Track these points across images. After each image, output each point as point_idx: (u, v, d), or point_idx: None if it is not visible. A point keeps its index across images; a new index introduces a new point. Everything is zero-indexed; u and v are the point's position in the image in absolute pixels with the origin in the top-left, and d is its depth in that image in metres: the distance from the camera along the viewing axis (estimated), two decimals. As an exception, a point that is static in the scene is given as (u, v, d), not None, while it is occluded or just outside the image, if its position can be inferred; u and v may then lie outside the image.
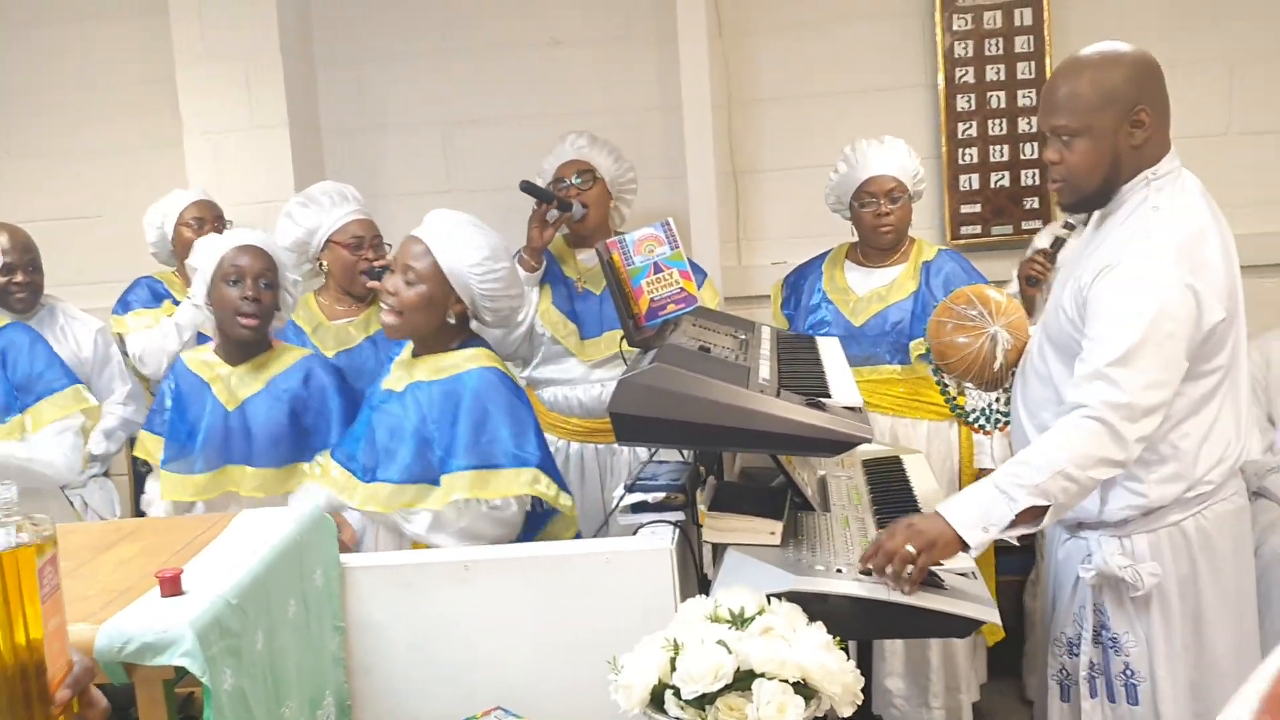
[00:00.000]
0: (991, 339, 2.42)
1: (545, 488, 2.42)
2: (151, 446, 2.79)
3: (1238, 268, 2.14)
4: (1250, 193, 3.67)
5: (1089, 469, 2.00)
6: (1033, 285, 3.07)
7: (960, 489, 3.20)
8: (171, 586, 1.70)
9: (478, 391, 2.44)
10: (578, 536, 2.55)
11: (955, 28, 3.90)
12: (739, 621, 1.79)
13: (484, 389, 2.44)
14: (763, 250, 4.14)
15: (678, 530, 2.18)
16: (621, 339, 2.52)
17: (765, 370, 2.23)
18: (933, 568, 1.98)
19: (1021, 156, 3.92)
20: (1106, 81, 2.11)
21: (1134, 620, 2.20)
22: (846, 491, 2.47)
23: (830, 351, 2.63)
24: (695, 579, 2.27)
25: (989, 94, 3.92)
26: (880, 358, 3.24)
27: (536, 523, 2.51)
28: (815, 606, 1.85)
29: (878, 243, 3.31)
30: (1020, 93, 3.89)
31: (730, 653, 1.72)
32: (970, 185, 3.97)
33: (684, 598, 2.00)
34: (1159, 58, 2.18)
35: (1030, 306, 2.96)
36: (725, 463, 2.58)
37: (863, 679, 1.77)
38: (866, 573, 1.95)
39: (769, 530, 2.08)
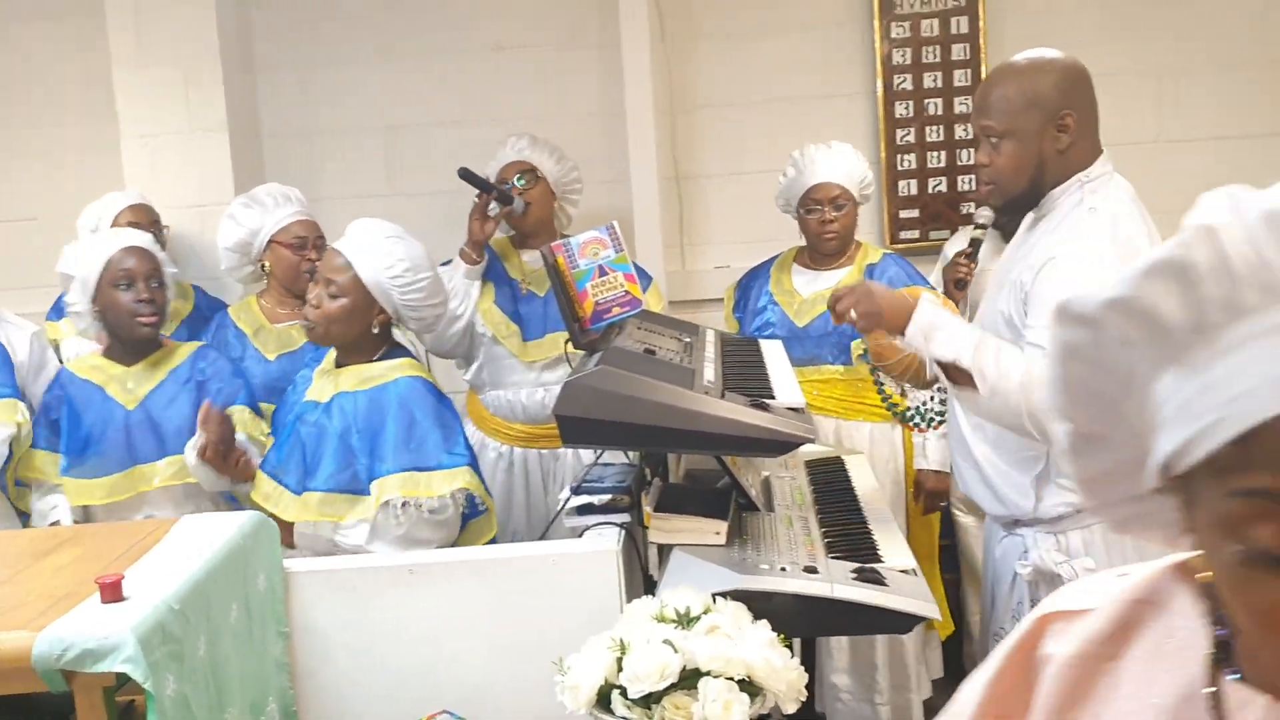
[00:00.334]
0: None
1: (477, 486, 2.47)
2: (41, 462, 2.77)
3: None
4: (1178, 199, 3.72)
5: (1024, 400, 2.05)
6: (960, 288, 3.16)
7: (906, 490, 3.28)
8: (112, 592, 1.68)
9: (404, 399, 2.47)
10: (493, 541, 2.57)
11: (893, 35, 3.96)
12: (685, 621, 1.81)
13: (410, 396, 2.48)
14: (706, 254, 4.17)
15: (623, 532, 2.19)
16: (566, 342, 2.53)
17: (710, 372, 2.25)
18: (875, 566, 2.02)
19: (958, 162, 3.99)
20: (1034, 86, 2.17)
21: (1070, 615, 2.24)
22: (790, 492, 2.50)
23: (774, 354, 2.66)
24: (641, 580, 2.29)
25: (926, 101, 3.98)
26: (823, 358, 3.28)
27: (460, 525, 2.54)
28: (760, 605, 1.87)
29: (822, 248, 3.36)
30: (957, 100, 3.96)
31: (676, 652, 1.74)
32: (909, 190, 4.03)
33: (630, 599, 2.01)
34: (1091, 67, 2.24)
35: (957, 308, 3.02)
36: (671, 464, 2.60)
37: (806, 676, 1.80)
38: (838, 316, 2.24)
39: (714, 530, 2.10)
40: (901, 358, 2.49)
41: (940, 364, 2.16)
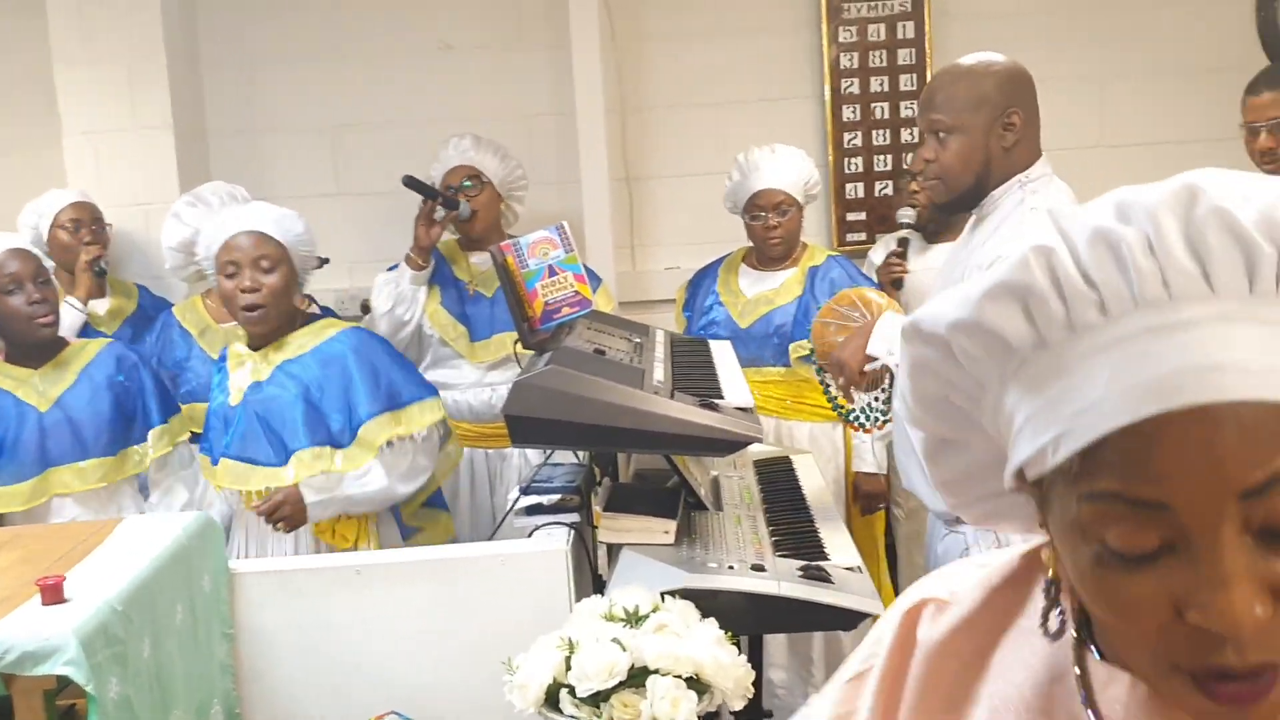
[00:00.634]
0: (870, 323, 2.49)
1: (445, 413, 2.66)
2: None
3: None
4: (1119, 203, 3.84)
5: None
6: (897, 287, 3.22)
7: (846, 490, 3.32)
8: (53, 594, 1.66)
9: (356, 348, 2.58)
10: (452, 541, 2.59)
11: (841, 40, 4.00)
12: (633, 619, 1.82)
13: (359, 346, 2.60)
14: (656, 256, 4.18)
15: (573, 532, 2.20)
16: (515, 342, 2.54)
17: (659, 372, 2.27)
18: (821, 563, 2.04)
19: (904, 165, 4.03)
20: (981, 85, 2.23)
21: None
22: (739, 491, 2.52)
23: (722, 354, 2.68)
24: (591, 580, 2.29)
25: (873, 105, 4.03)
26: (764, 360, 3.31)
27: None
28: (708, 603, 1.88)
29: (768, 253, 3.40)
30: (903, 104, 4.00)
31: (624, 650, 1.74)
32: (856, 193, 4.07)
33: (580, 598, 2.02)
34: (1035, 73, 2.29)
35: None
36: (620, 464, 2.61)
37: (753, 673, 1.82)
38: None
39: (663, 529, 2.11)
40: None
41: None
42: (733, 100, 4.07)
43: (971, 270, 2.23)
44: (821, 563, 2.06)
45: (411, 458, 2.57)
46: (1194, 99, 3.92)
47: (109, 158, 3.86)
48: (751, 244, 3.47)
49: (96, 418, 2.67)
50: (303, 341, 2.59)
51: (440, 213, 3.32)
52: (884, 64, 4.00)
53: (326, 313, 2.88)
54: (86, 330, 3.22)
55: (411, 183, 3.30)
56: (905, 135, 4.00)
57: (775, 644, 3.24)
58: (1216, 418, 0.60)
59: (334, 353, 2.57)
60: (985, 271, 0.70)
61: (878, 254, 3.61)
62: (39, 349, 2.71)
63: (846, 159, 4.05)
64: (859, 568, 2.09)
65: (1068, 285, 0.65)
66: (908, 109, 3.99)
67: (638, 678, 1.74)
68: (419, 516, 2.87)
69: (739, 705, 1.80)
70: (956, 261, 2.35)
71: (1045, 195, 2.24)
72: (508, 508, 2.43)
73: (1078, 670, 0.74)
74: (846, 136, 4.04)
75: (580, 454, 2.59)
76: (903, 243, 3.34)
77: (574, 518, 2.26)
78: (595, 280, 3.25)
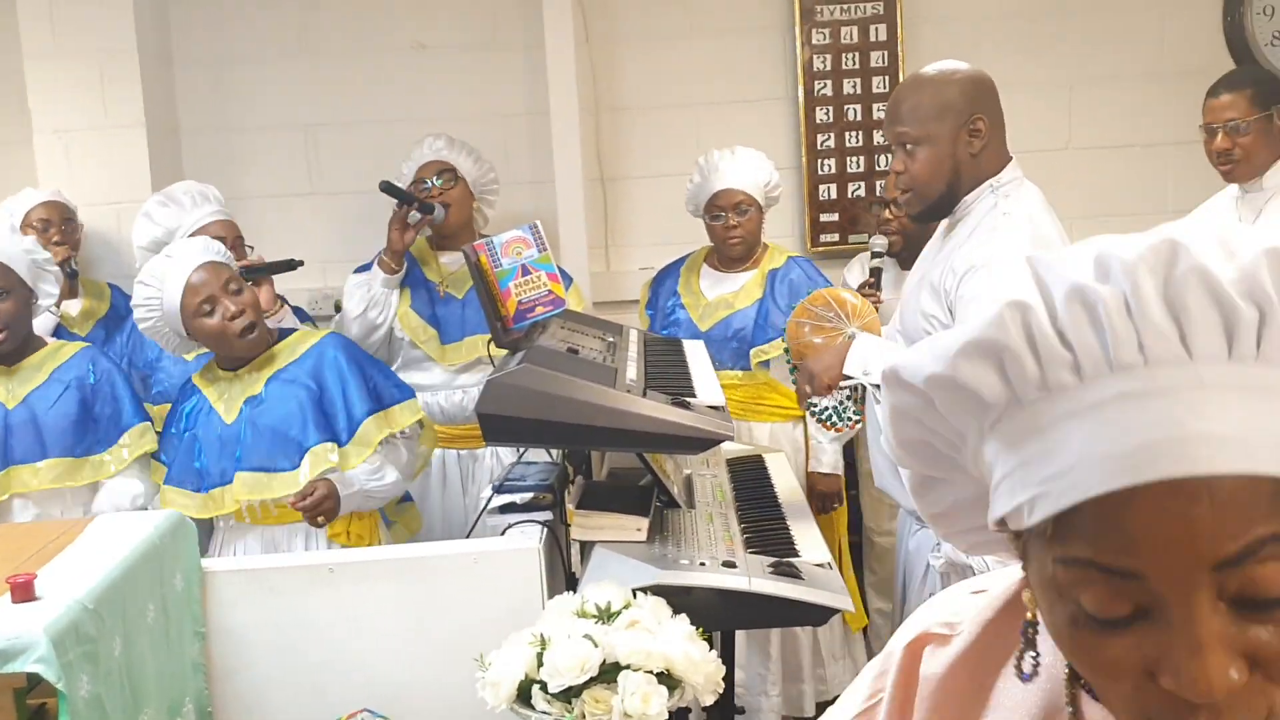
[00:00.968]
0: (847, 339, 2.52)
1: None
2: None
3: None
4: (1087, 204, 3.88)
5: None
6: None
7: (804, 489, 3.34)
8: (23, 592, 1.66)
9: (345, 350, 2.67)
10: (421, 532, 2.64)
11: (814, 42, 4.02)
12: (605, 616, 1.83)
13: (346, 347, 2.69)
14: (630, 256, 4.19)
15: (546, 530, 2.21)
16: (488, 342, 2.54)
17: (632, 371, 2.28)
18: (791, 560, 2.06)
19: (877, 167, 4.06)
20: (944, 93, 2.25)
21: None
22: (711, 489, 2.54)
23: (696, 354, 2.70)
24: (564, 577, 2.30)
25: (846, 107, 4.05)
26: (723, 363, 3.32)
27: None
28: (680, 599, 1.90)
29: (728, 253, 3.43)
30: (875, 106, 4.03)
31: (596, 646, 1.76)
32: (828, 195, 4.10)
33: (553, 596, 2.03)
34: (1005, 77, 2.32)
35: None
36: (595, 463, 2.63)
37: (724, 668, 1.83)
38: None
39: (635, 527, 2.13)
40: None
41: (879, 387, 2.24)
42: (706, 101, 4.09)
43: (947, 274, 2.25)
44: (792, 559, 2.08)
45: (405, 454, 2.68)
46: (1162, 103, 3.97)
47: (80, 156, 3.84)
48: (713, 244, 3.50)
49: (60, 419, 2.65)
50: (289, 351, 2.64)
51: (415, 216, 3.32)
52: (856, 66, 4.03)
53: (298, 313, 2.88)
54: (60, 332, 3.20)
55: (388, 188, 3.31)
56: (878, 137, 4.03)
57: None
58: (1190, 491, 0.59)
59: (325, 357, 2.62)
60: (962, 309, 0.71)
61: (852, 274, 3.63)
62: (14, 350, 2.70)
63: (819, 160, 4.07)
64: (829, 564, 2.11)
65: (1043, 345, 0.64)
66: (880, 111, 4.02)
67: (609, 673, 1.75)
68: (396, 511, 2.92)
69: (709, 700, 1.82)
70: (931, 263, 2.37)
71: (1017, 199, 2.27)
72: (481, 506, 2.44)
73: (1070, 707, 0.74)
74: (819, 138, 4.07)
75: (554, 452, 2.60)
76: (874, 272, 3.37)
77: (547, 516, 2.27)
78: (566, 280, 3.26)
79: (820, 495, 3.31)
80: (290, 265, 3.17)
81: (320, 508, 2.48)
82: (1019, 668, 0.74)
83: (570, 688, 1.74)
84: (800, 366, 2.35)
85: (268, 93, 4.15)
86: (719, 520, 2.31)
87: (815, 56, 4.03)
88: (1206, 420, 0.60)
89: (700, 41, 4.08)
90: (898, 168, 2.32)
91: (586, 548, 2.19)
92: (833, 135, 4.06)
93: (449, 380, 3.37)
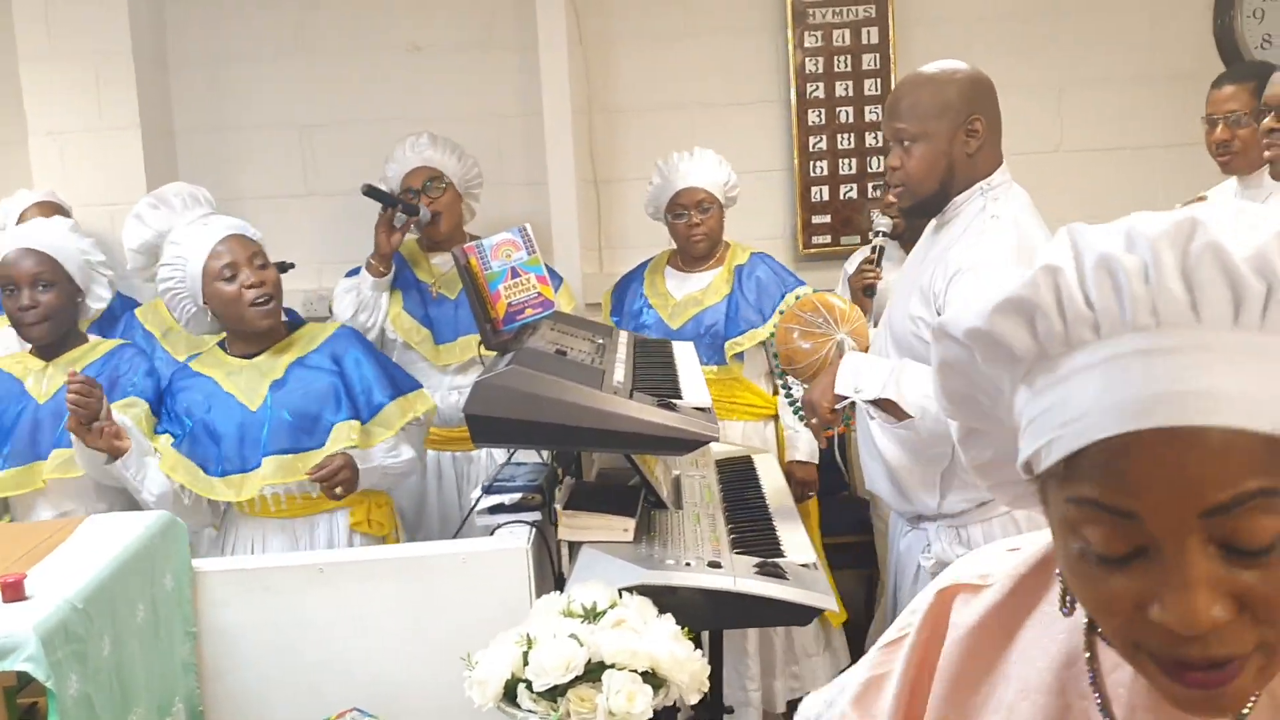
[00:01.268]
0: (837, 345, 2.53)
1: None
2: None
3: None
4: (1077, 207, 3.87)
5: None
6: (869, 295, 3.26)
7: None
8: (13, 591, 1.67)
9: (360, 343, 2.75)
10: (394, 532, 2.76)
11: (806, 44, 4.04)
12: (591, 615, 1.85)
13: (359, 339, 2.78)
14: (624, 258, 4.20)
15: (534, 530, 2.22)
16: (479, 343, 2.56)
17: (620, 373, 2.29)
18: (777, 560, 2.08)
19: (869, 169, 4.08)
20: (945, 92, 2.26)
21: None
22: (699, 490, 2.56)
23: (684, 355, 2.71)
24: (552, 578, 2.32)
25: (838, 109, 4.07)
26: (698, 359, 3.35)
27: None
28: (665, 599, 1.91)
29: (692, 251, 3.45)
30: (867, 108, 4.05)
31: (582, 645, 1.77)
32: (820, 197, 4.11)
33: (541, 596, 2.04)
34: (996, 79, 2.33)
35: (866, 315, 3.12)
36: (584, 464, 2.64)
37: (709, 667, 1.85)
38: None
39: (622, 528, 2.14)
40: (810, 361, 2.56)
41: (873, 403, 2.24)
42: (699, 103, 4.11)
43: (937, 278, 2.27)
44: (777, 559, 2.10)
45: (420, 439, 2.79)
46: (1152, 105, 3.99)
47: (75, 158, 3.85)
48: (675, 246, 3.52)
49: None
50: (308, 340, 2.71)
51: (400, 219, 3.33)
52: (849, 68, 4.04)
53: (291, 315, 2.90)
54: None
55: (371, 191, 3.32)
56: (870, 139, 4.05)
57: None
58: (1186, 440, 0.66)
59: (344, 345, 2.70)
60: (990, 275, 0.77)
61: (852, 263, 3.64)
62: (44, 346, 2.77)
63: (811, 162, 4.09)
64: (814, 564, 2.12)
65: (1069, 305, 0.71)
66: (872, 113, 4.04)
67: (594, 672, 1.77)
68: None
69: (694, 699, 1.83)
70: (920, 265, 2.38)
71: (1005, 202, 2.29)
72: (470, 507, 2.46)
73: (1088, 654, 0.82)
74: (811, 140, 4.08)
75: (543, 453, 2.62)
76: (877, 249, 3.38)
77: (536, 516, 2.29)
78: (556, 280, 3.28)
79: (800, 483, 3.35)
80: (281, 268, 3.17)
81: (337, 477, 2.51)
82: (1062, 602, 0.81)
83: (556, 687, 1.75)
84: (803, 402, 2.37)
85: (263, 93, 4.16)
86: (706, 521, 2.32)
87: (807, 59, 4.04)
88: (1208, 377, 0.66)
89: (693, 43, 4.10)
90: (893, 163, 2.33)
91: (574, 548, 2.21)
92: (825, 137, 4.08)
93: (444, 381, 3.38)
